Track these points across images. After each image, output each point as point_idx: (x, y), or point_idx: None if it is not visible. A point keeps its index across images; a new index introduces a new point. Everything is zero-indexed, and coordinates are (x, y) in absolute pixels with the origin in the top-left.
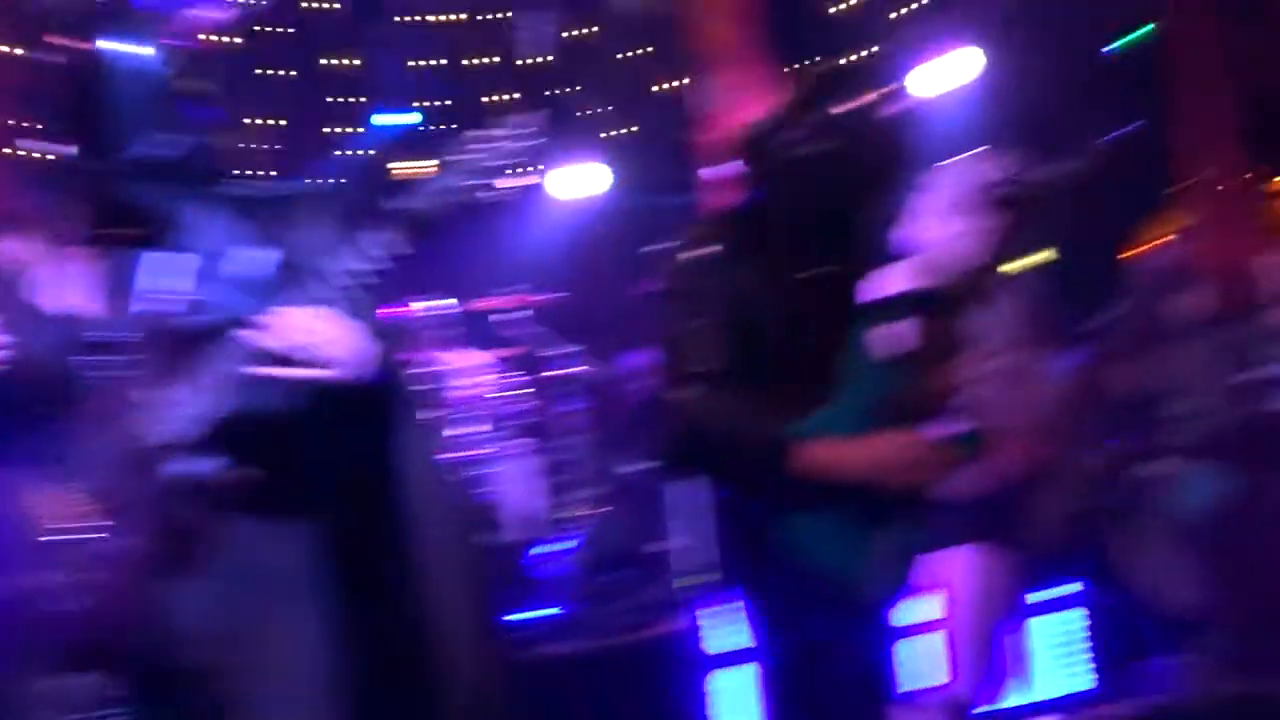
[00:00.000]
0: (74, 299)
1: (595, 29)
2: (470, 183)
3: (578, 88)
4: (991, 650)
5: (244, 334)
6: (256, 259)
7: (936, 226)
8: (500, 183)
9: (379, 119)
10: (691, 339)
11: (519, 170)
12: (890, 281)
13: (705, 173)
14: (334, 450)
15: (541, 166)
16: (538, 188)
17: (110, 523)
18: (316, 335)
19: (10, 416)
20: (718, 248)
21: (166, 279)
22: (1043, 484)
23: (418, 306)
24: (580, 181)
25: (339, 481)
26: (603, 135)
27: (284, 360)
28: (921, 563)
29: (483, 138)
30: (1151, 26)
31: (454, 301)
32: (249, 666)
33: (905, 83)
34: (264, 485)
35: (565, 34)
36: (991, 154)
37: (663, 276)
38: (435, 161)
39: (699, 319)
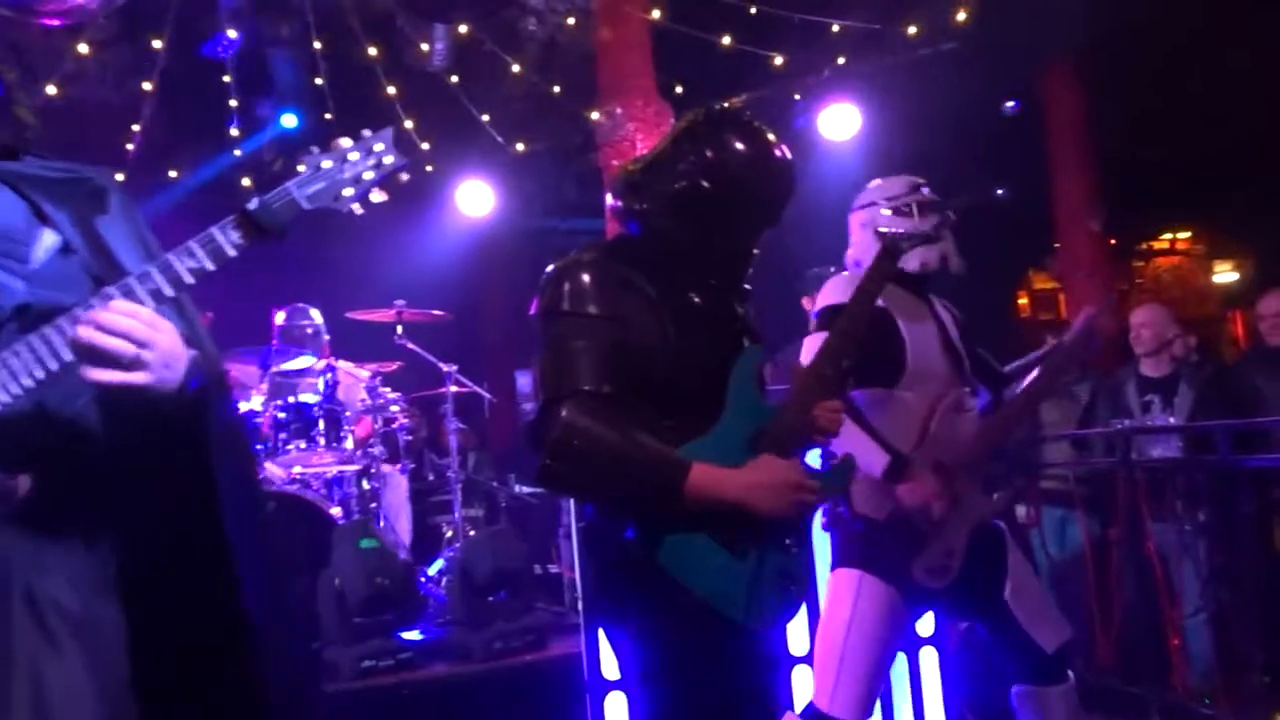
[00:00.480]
0: None
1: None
2: (311, 192)
3: (483, 111)
4: (866, 677)
5: (52, 326)
6: (46, 243)
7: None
8: (346, 195)
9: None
10: (573, 358)
11: (366, 185)
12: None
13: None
14: (133, 462)
15: (393, 182)
16: (443, 204)
17: None
18: (131, 334)
19: None
20: (605, 271)
21: None
22: (946, 517)
23: (307, 317)
24: (480, 200)
25: (135, 497)
26: (511, 153)
27: (92, 357)
28: (802, 588)
29: (332, 151)
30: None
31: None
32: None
33: (797, 125)
34: (40, 496)
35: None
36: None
37: (549, 297)
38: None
39: (581, 339)
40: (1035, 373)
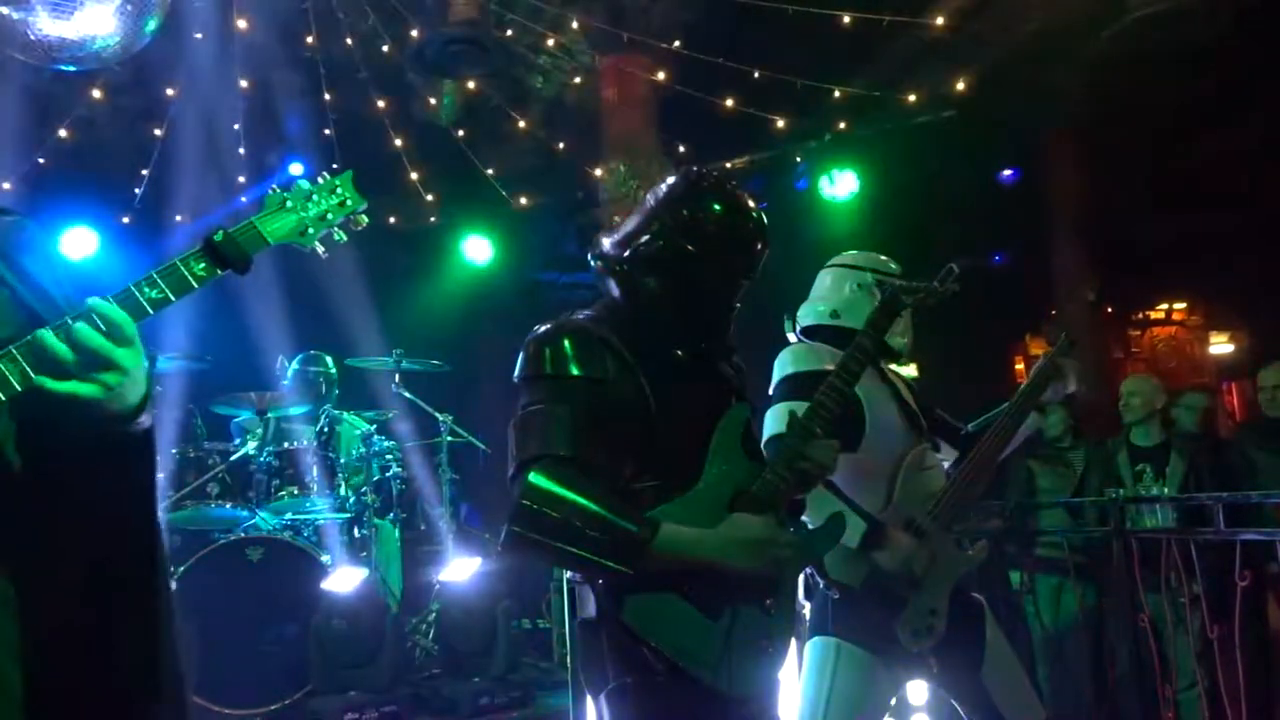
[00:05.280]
0: None
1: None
2: (274, 227)
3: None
4: None
5: (27, 345)
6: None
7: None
8: (310, 233)
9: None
10: (545, 423)
11: (329, 225)
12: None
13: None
14: (61, 487)
15: (357, 225)
16: (446, 254)
17: None
18: (106, 357)
19: None
20: (585, 335)
21: None
22: (925, 575)
23: (322, 364)
24: (481, 251)
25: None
26: (514, 207)
27: (59, 371)
28: (781, 651)
29: (295, 189)
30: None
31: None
32: None
33: (798, 186)
34: None
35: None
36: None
37: (530, 362)
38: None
39: (558, 404)
40: (997, 421)
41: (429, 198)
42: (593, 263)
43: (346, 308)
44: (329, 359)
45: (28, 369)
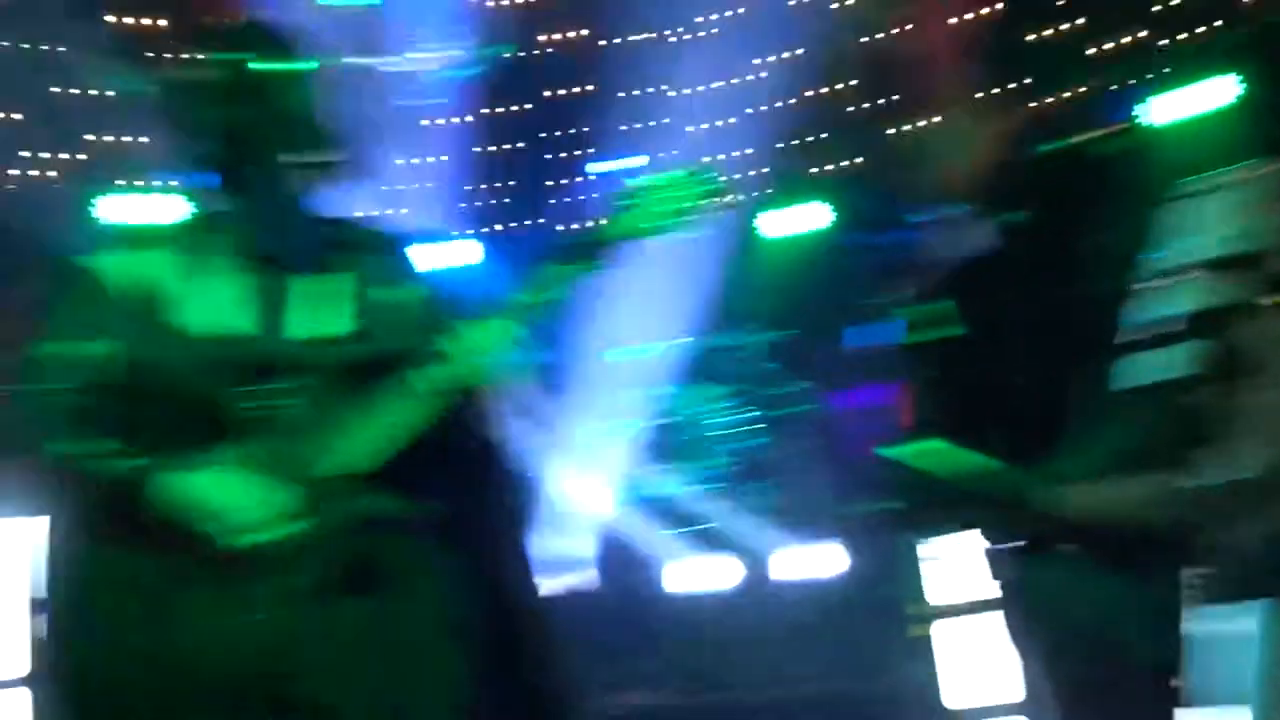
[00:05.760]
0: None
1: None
2: (638, 220)
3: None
4: None
5: (425, 362)
6: (401, 290)
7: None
8: (671, 223)
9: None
10: (922, 390)
11: (690, 213)
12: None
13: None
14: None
15: (718, 209)
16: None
17: None
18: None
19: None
20: (945, 299)
21: (321, 305)
22: None
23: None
24: (797, 219)
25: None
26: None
27: (466, 392)
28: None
29: (652, 183)
30: None
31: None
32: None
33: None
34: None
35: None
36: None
37: (891, 326)
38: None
39: (929, 370)
40: None
41: (733, 177)
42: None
43: (687, 292)
44: (675, 343)
45: (442, 374)
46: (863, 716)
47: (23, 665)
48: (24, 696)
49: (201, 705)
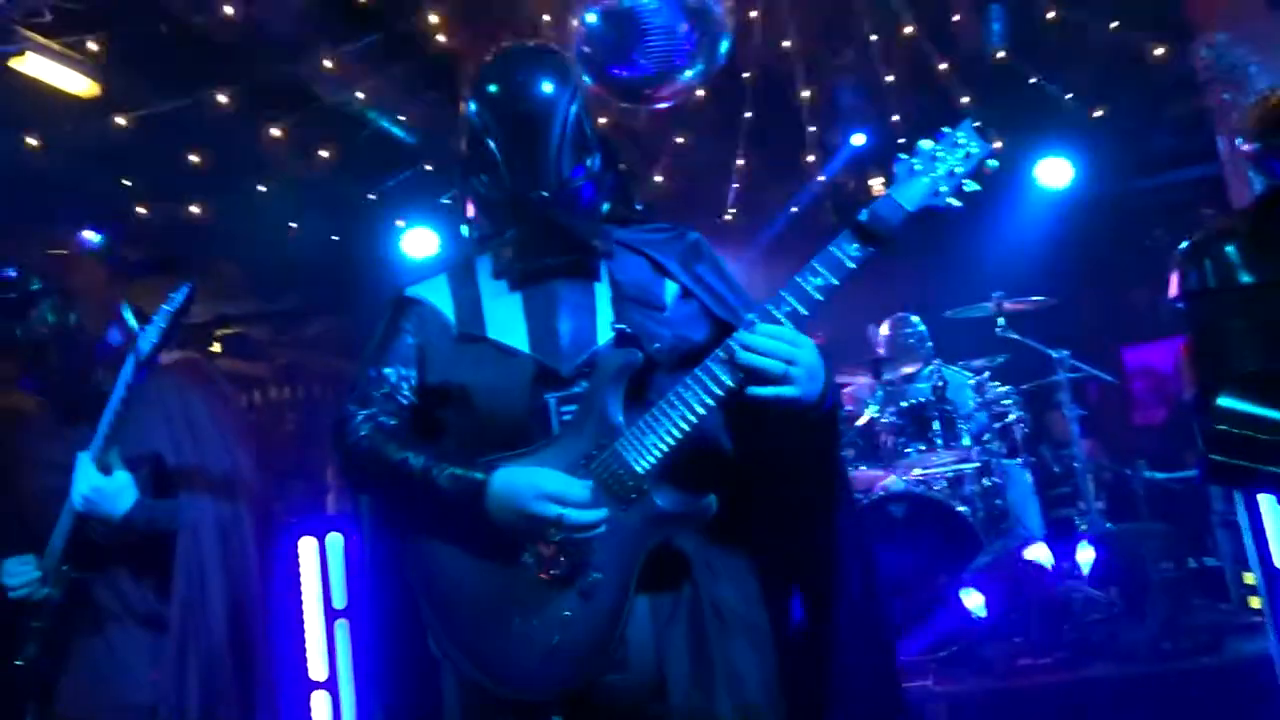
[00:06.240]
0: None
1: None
2: (910, 194)
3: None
4: None
5: (725, 354)
6: (669, 292)
7: None
8: (942, 190)
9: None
10: (1226, 340)
11: (959, 178)
12: None
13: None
14: (774, 472)
15: (987, 171)
16: (1017, 187)
17: None
18: (777, 352)
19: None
20: (1250, 236)
21: (588, 311)
22: None
23: (910, 325)
24: (1058, 173)
25: (775, 506)
26: (1089, 120)
27: (751, 376)
28: None
29: (919, 153)
30: None
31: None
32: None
33: None
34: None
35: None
36: None
37: (1189, 276)
38: (882, 179)
39: (1234, 318)
40: None
41: (994, 138)
42: (1247, 145)
43: (930, 264)
44: (914, 318)
45: (732, 374)
46: (1194, 695)
47: (321, 671)
48: (323, 699)
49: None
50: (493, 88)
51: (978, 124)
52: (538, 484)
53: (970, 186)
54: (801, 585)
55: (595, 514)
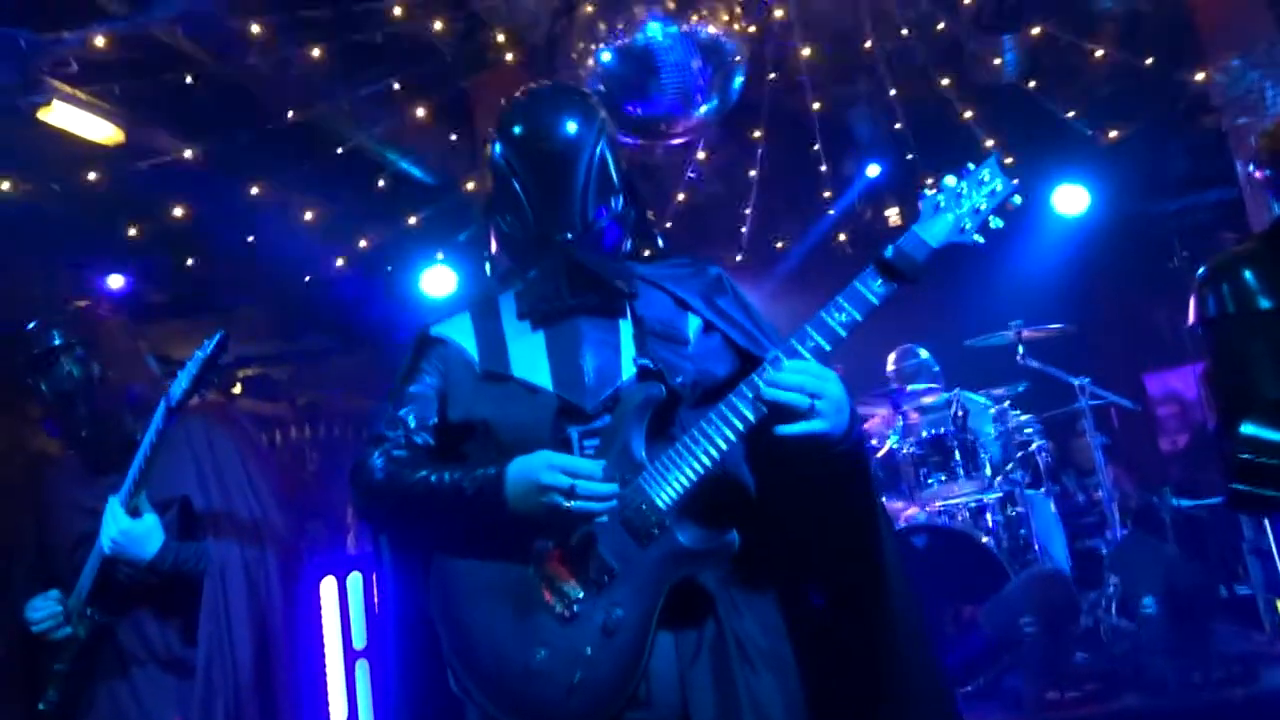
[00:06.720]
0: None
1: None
2: (935, 230)
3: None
4: None
5: (749, 390)
6: (692, 326)
7: None
8: (967, 227)
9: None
10: (1248, 366)
11: (984, 215)
12: None
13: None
14: (801, 508)
15: (1011, 207)
16: (1035, 214)
17: None
18: (804, 387)
19: None
20: (1267, 260)
21: (611, 347)
22: None
23: (914, 355)
24: (1075, 200)
25: (806, 540)
26: (1103, 143)
27: (776, 412)
28: None
29: (944, 190)
30: None
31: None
32: None
33: None
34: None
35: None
36: None
37: (1208, 301)
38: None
39: (1255, 342)
40: None
41: (1008, 161)
42: (1259, 171)
43: (949, 292)
44: (918, 348)
45: (756, 409)
46: None
47: (340, 711)
48: None
49: None
50: (518, 128)
51: (1009, 159)
52: (550, 459)
53: (996, 223)
54: (846, 621)
55: (606, 487)
